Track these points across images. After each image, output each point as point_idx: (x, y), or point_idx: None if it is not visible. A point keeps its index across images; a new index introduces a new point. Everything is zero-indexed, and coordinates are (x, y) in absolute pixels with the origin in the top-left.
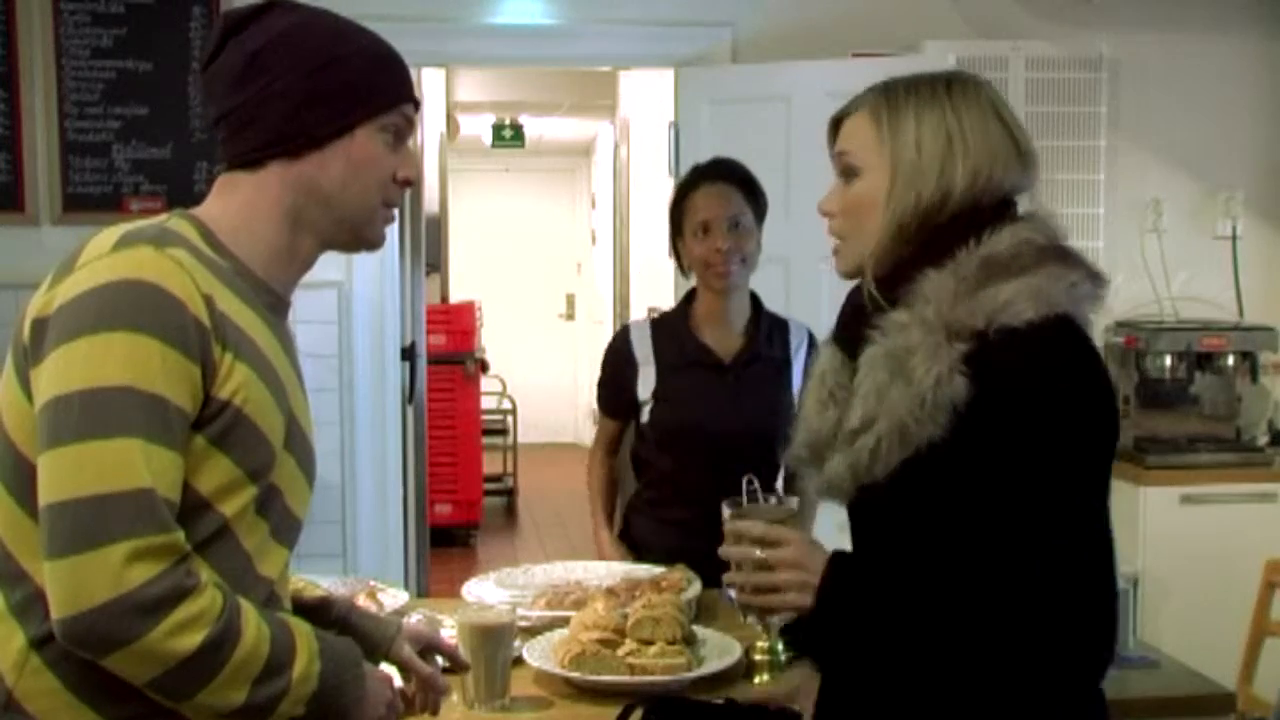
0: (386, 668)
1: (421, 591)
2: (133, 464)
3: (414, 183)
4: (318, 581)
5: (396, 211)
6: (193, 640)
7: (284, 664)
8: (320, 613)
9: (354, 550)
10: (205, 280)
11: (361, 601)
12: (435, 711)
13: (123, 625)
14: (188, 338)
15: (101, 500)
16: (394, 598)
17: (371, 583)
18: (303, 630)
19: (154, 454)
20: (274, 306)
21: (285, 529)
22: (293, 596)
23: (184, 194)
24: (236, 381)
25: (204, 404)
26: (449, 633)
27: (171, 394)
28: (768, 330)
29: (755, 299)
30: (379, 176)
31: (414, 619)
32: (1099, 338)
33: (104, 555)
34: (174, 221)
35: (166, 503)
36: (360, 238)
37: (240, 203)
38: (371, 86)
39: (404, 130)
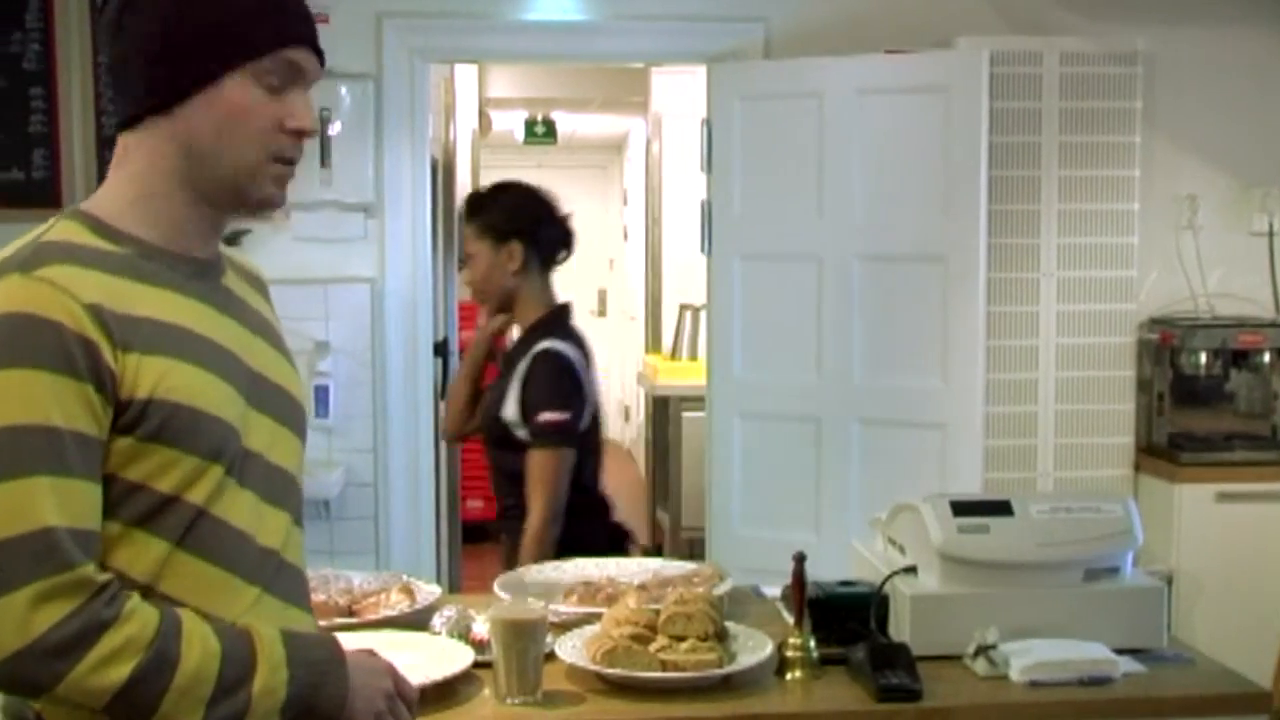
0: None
1: (454, 586)
2: (28, 505)
3: (307, 132)
4: (351, 576)
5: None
6: (119, 673)
7: (240, 680)
8: None
9: (386, 545)
10: (92, 286)
11: (395, 596)
12: None
13: (40, 670)
14: (72, 359)
15: None
16: (427, 592)
17: (405, 577)
18: (266, 639)
19: (55, 488)
20: (200, 273)
21: (277, 490)
22: None
23: None
24: (152, 376)
25: (122, 410)
26: (481, 628)
27: (66, 421)
28: (539, 332)
29: (557, 307)
30: (256, 127)
31: (447, 614)
32: (1133, 333)
33: (7, 604)
34: (58, 226)
35: (76, 535)
36: (245, 198)
37: (133, 173)
38: (241, 31)
39: (289, 77)
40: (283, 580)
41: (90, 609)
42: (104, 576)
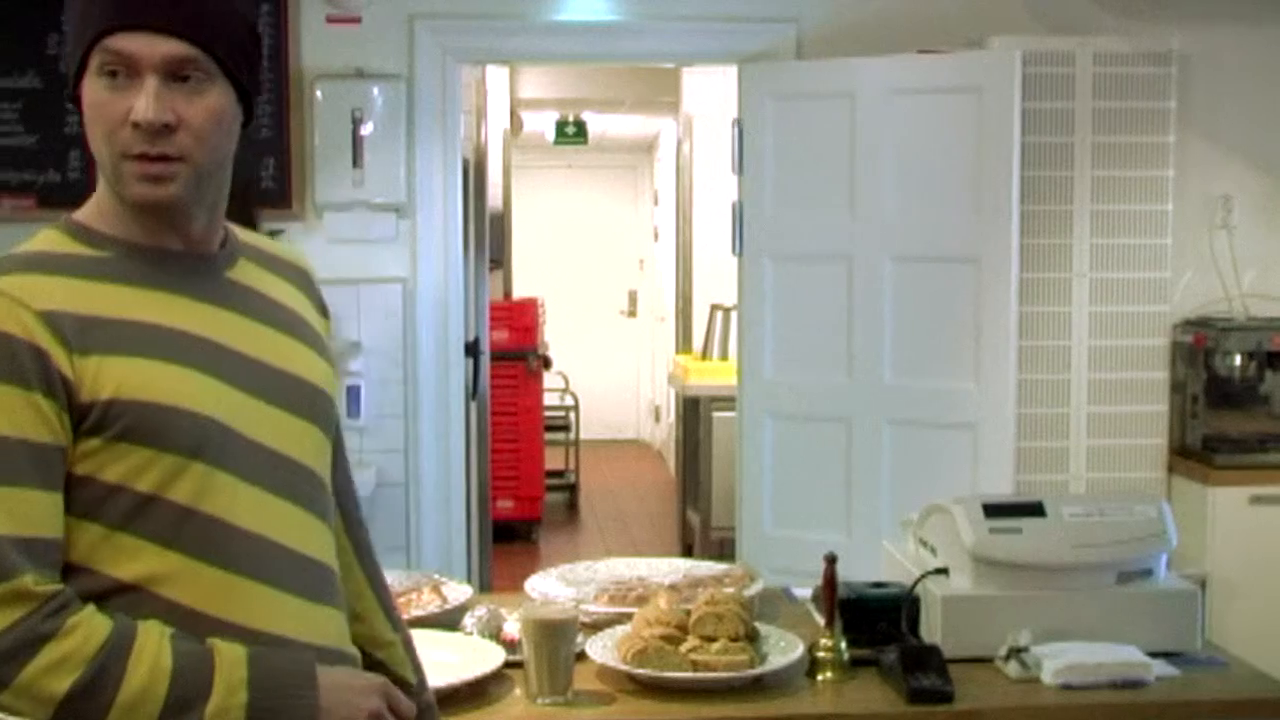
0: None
1: (484, 586)
2: None
3: (142, 124)
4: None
5: (178, 167)
6: (60, 685)
7: (191, 700)
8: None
9: (418, 545)
10: (50, 293)
11: (426, 595)
12: None
13: None
14: (21, 368)
15: None
16: (458, 592)
17: (435, 576)
18: (228, 660)
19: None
20: (192, 269)
21: (288, 483)
22: (381, 661)
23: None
24: (115, 378)
25: (85, 414)
26: (512, 627)
27: (13, 430)
28: None
29: None
30: (105, 125)
31: (478, 613)
32: (1166, 335)
33: None
34: (39, 236)
35: (21, 543)
36: (122, 198)
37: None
38: (78, 28)
39: (126, 67)
40: (303, 576)
41: (27, 622)
42: (47, 588)
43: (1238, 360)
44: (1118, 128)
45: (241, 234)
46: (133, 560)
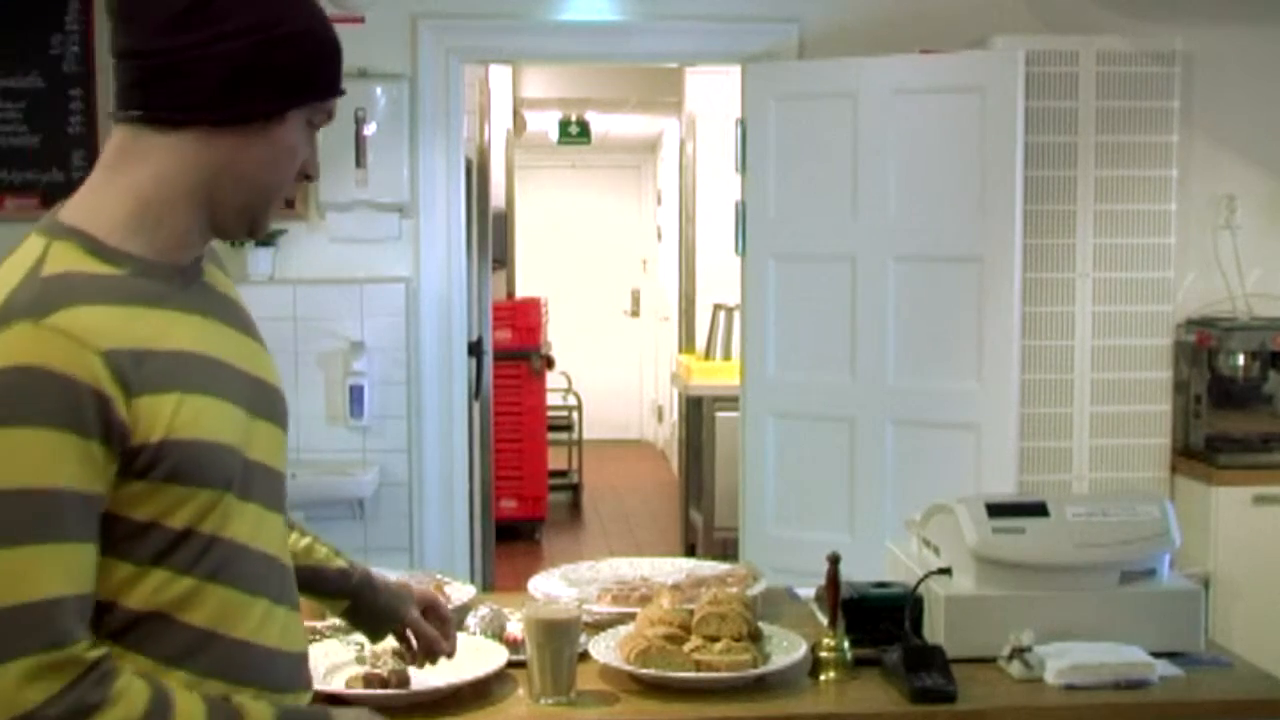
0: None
1: (487, 585)
2: (26, 575)
3: (314, 178)
4: (385, 575)
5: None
6: None
7: None
8: (338, 582)
9: (421, 544)
10: (102, 326)
11: None
12: (434, 663)
13: None
14: (82, 417)
15: None
16: (461, 591)
17: (438, 576)
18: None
19: (59, 555)
20: (188, 282)
21: (273, 495)
22: (315, 567)
23: None
24: (164, 417)
25: (133, 456)
26: (515, 627)
27: (71, 483)
28: None
29: None
30: (294, 166)
31: (482, 613)
32: (1170, 335)
33: None
34: (54, 252)
35: (78, 602)
36: (257, 227)
37: (137, 181)
38: (312, 71)
39: (323, 123)
40: (283, 585)
41: (78, 689)
42: (95, 653)
43: (1241, 360)
44: (1121, 127)
45: None
46: (156, 593)
